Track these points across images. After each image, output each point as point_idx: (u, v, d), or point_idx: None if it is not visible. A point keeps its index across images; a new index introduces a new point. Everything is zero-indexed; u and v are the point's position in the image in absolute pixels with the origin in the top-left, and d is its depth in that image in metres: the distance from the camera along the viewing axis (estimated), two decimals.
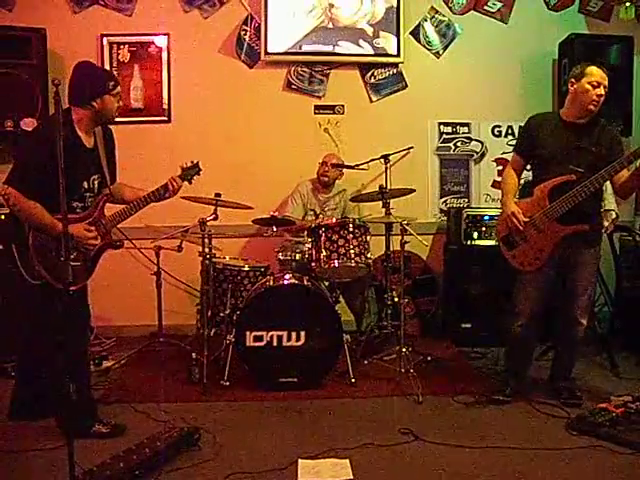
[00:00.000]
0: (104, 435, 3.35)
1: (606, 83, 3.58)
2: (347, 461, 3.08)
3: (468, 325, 5.15)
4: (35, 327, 3.31)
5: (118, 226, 4.29)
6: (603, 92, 3.58)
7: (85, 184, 3.26)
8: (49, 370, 3.26)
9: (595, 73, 3.60)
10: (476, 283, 5.13)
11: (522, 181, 3.99)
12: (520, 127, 4.05)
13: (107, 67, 5.35)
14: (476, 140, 5.75)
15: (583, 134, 3.61)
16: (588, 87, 3.58)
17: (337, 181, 5.28)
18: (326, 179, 5.17)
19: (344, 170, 5.21)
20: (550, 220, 3.62)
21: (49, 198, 2.98)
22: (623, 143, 3.65)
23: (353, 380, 4.15)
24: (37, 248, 3.12)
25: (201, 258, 4.40)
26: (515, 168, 3.90)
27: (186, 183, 3.68)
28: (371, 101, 5.64)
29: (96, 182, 3.33)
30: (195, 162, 3.73)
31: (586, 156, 3.56)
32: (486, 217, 5.19)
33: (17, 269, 3.14)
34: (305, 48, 5.46)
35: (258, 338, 4.07)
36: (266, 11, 5.34)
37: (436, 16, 5.61)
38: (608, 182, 3.79)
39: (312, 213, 5.06)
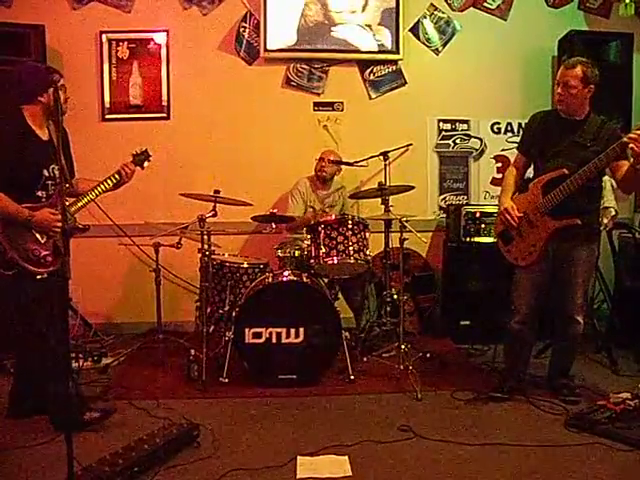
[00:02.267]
0: (97, 420, 3.38)
1: (567, 80, 3.53)
2: (346, 458, 3.08)
3: (467, 322, 5.14)
4: (18, 318, 3.36)
5: (117, 223, 4.32)
6: (561, 90, 3.57)
7: (45, 172, 3.34)
8: (40, 364, 3.30)
9: (560, 71, 3.62)
10: (475, 280, 5.12)
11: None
12: (524, 125, 4.02)
13: (106, 64, 5.37)
14: (475, 137, 5.74)
15: (580, 130, 3.61)
16: (556, 85, 3.62)
17: (335, 177, 5.27)
18: (324, 175, 5.16)
19: (343, 167, 5.20)
20: (542, 214, 3.63)
21: (12, 188, 3.17)
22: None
23: (352, 377, 4.15)
24: (8, 235, 3.18)
25: (200, 255, 4.40)
26: (517, 166, 3.91)
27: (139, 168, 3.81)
28: (370, 98, 5.63)
29: (56, 171, 3.40)
30: (144, 149, 3.84)
31: (582, 152, 3.55)
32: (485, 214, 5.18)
33: None
34: (304, 45, 5.45)
35: (257, 335, 4.07)
36: (265, 8, 5.33)
37: (435, 13, 5.60)
38: (608, 179, 3.79)
39: (312, 210, 5.05)
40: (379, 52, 5.51)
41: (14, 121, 3.28)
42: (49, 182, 3.35)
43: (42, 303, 3.21)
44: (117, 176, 3.61)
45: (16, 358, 3.69)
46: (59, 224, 3.27)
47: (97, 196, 3.54)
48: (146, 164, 3.85)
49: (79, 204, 3.47)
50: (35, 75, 3.35)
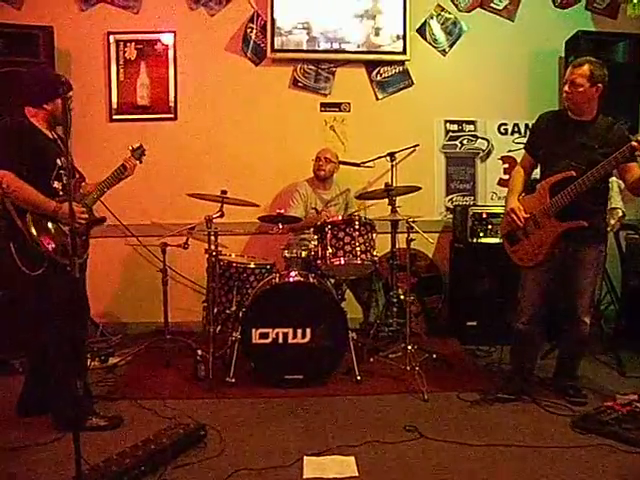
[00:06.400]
0: (102, 428, 3.38)
1: (574, 78, 3.53)
2: (352, 458, 3.08)
3: (474, 323, 5.13)
4: (39, 318, 3.36)
5: (125, 223, 4.34)
6: (568, 88, 3.58)
7: (58, 161, 3.38)
8: (55, 363, 3.30)
9: (568, 70, 3.63)
10: (482, 281, 5.12)
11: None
12: (532, 124, 4.01)
13: (114, 64, 5.39)
14: (482, 138, 5.73)
15: (588, 132, 3.59)
16: (564, 84, 3.63)
17: (335, 177, 5.26)
18: (322, 173, 5.15)
19: (351, 168, 5.19)
20: (549, 216, 3.62)
21: (30, 179, 3.20)
22: None
23: (358, 377, 4.15)
24: (38, 227, 3.23)
25: (207, 255, 4.41)
26: (524, 166, 3.90)
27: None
28: (377, 99, 5.63)
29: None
30: (139, 144, 3.86)
31: (590, 154, 3.53)
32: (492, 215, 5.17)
33: (15, 265, 3.23)
34: (311, 45, 5.45)
35: (264, 335, 4.08)
36: (272, 9, 5.34)
37: (442, 14, 5.60)
38: (616, 180, 3.77)
39: (313, 211, 5.03)
40: (386, 53, 5.51)
41: (21, 119, 3.33)
42: (62, 172, 3.37)
43: (69, 300, 3.16)
44: (122, 168, 3.67)
45: (30, 356, 3.69)
46: (84, 216, 3.40)
47: (109, 187, 3.60)
48: (143, 159, 3.87)
49: (94, 195, 3.54)
50: (42, 82, 3.36)
